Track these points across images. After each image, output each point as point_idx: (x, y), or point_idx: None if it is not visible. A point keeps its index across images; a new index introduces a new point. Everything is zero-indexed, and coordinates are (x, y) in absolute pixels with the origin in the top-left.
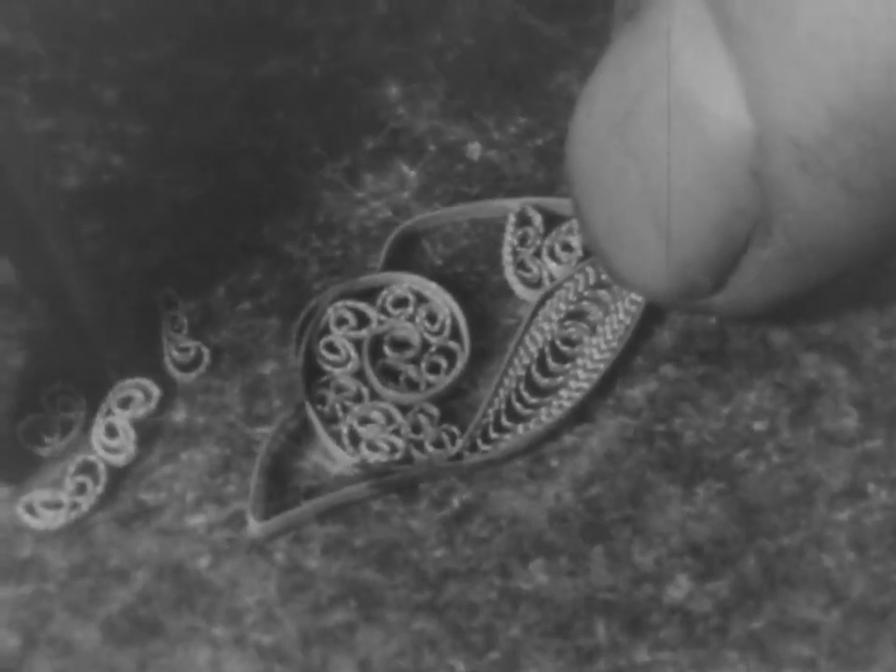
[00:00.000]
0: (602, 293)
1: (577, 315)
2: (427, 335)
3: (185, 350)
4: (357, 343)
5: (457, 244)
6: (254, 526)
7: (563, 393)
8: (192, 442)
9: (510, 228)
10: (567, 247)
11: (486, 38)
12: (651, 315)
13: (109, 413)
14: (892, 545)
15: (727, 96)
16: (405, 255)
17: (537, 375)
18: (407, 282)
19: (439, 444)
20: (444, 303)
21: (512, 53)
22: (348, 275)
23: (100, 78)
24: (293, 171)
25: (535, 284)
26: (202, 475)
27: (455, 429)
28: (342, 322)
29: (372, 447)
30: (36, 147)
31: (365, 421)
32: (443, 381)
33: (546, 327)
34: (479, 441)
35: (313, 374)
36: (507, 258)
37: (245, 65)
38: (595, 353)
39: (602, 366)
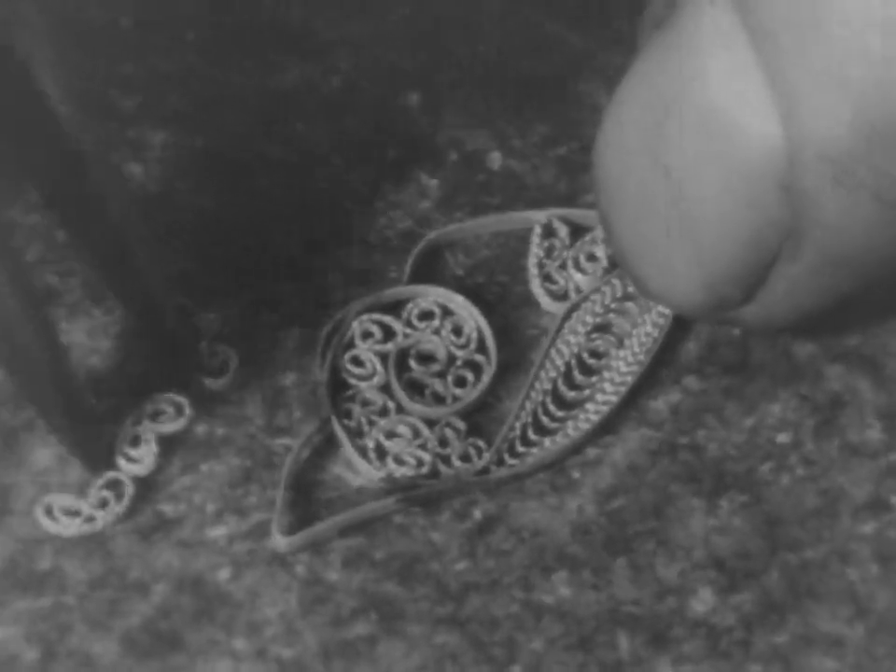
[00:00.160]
0: (629, 305)
1: (604, 328)
2: (453, 348)
3: (213, 356)
4: (383, 357)
5: (479, 254)
6: (279, 541)
7: (590, 406)
8: (213, 454)
9: (535, 240)
10: (592, 258)
11: (508, 47)
12: (676, 327)
13: (138, 423)
14: None
15: (758, 110)
16: (427, 266)
17: (563, 388)
18: (432, 295)
19: (465, 458)
20: (470, 316)
21: (534, 62)
22: (369, 285)
23: (119, 86)
24: (314, 181)
25: (561, 296)
26: (222, 486)
27: (481, 443)
28: (367, 335)
29: (399, 461)
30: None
31: (391, 435)
32: (470, 394)
33: (573, 339)
34: (506, 456)
35: (338, 388)
36: (532, 270)
37: (265, 75)
38: (623, 366)
39: (629, 379)
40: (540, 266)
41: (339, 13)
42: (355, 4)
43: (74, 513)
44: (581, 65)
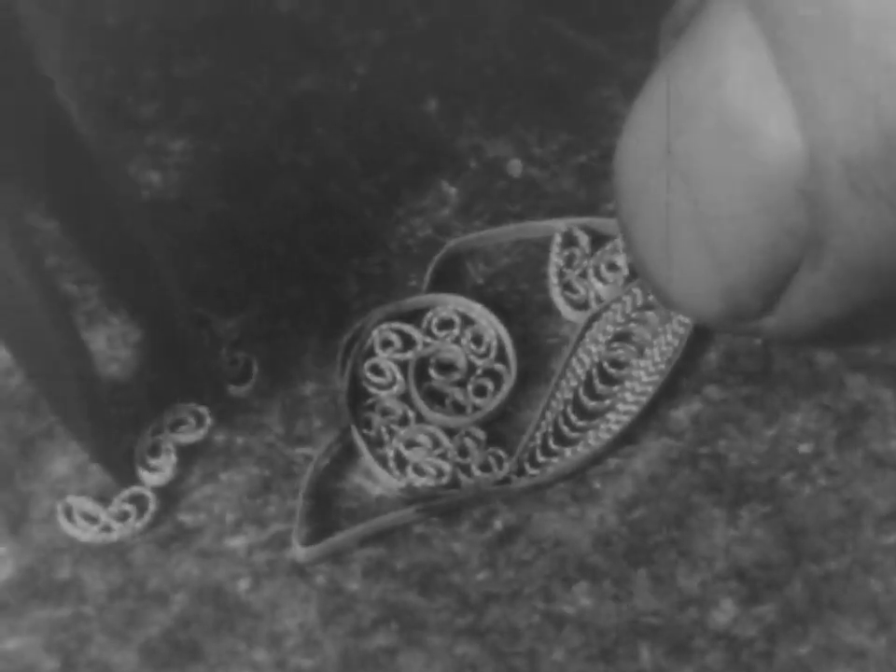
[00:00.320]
0: (650, 315)
1: (624, 337)
2: (472, 357)
3: (233, 364)
4: (403, 366)
5: (499, 262)
6: (299, 552)
7: (610, 416)
8: (232, 463)
9: (555, 248)
10: (612, 267)
11: (527, 53)
12: (697, 336)
13: (158, 432)
14: None
15: (778, 116)
16: (447, 274)
17: (584, 398)
18: (452, 303)
19: (486, 468)
20: (490, 325)
21: (554, 68)
22: (388, 293)
23: (137, 93)
24: (332, 187)
25: (582, 305)
26: (241, 496)
27: (501, 453)
28: (387, 344)
29: (419, 471)
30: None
31: (411, 444)
32: (490, 404)
33: (593, 349)
34: (526, 465)
35: (358, 397)
36: (553, 279)
37: (283, 81)
38: (643, 375)
39: (650, 389)
40: (561, 275)
41: (357, 18)
42: (374, 9)
43: (93, 519)
44: (602, 72)
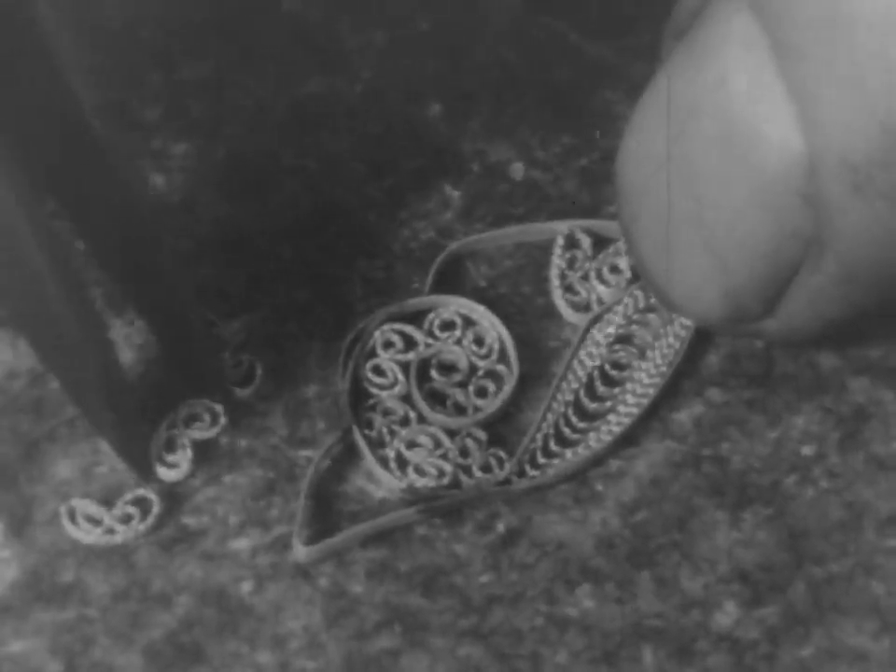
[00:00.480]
0: (651, 317)
1: (626, 339)
2: (474, 358)
3: (237, 366)
4: (405, 367)
5: (501, 265)
6: (300, 552)
7: (612, 418)
8: (235, 465)
9: (557, 251)
10: (614, 269)
11: (530, 57)
12: (698, 339)
13: (173, 427)
14: None
15: (780, 119)
16: (449, 276)
17: (585, 400)
18: (454, 305)
19: (487, 469)
20: (492, 326)
21: (556, 72)
22: (392, 296)
23: (142, 97)
24: (336, 191)
25: (583, 307)
26: (245, 498)
27: (502, 454)
28: (388, 345)
29: (420, 472)
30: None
31: (412, 445)
32: (491, 405)
33: (595, 351)
34: (527, 467)
35: (359, 398)
36: (554, 281)
37: (287, 84)
38: (645, 377)
39: (651, 391)
40: (562, 277)
41: (362, 22)
42: (378, 13)
43: (96, 522)
44: (604, 75)
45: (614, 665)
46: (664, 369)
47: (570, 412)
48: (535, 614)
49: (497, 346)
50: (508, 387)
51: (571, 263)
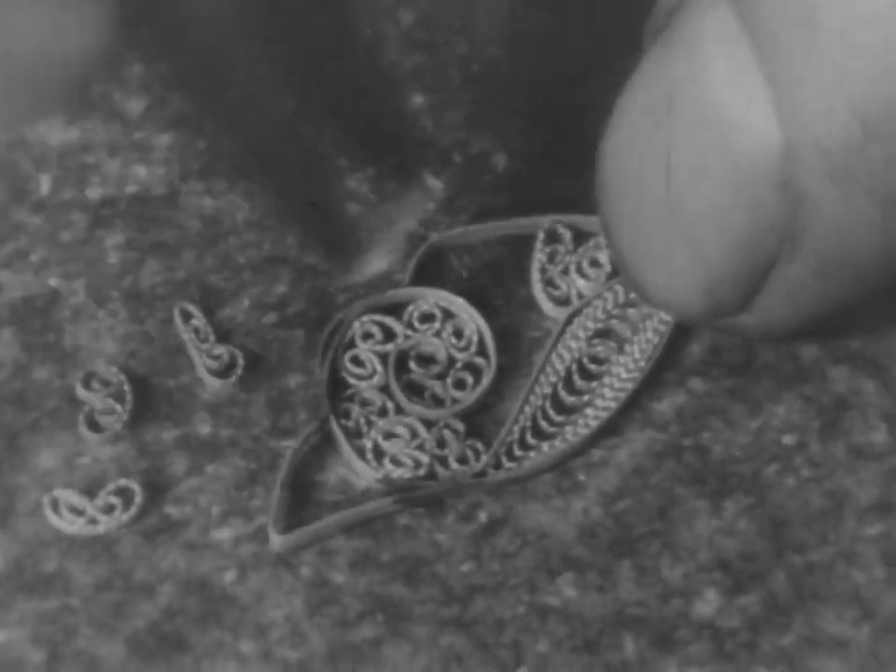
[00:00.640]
0: (631, 312)
1: (605, 334)
2: (453, 351)
3: (218, 357)
4: (383, 358)
5: (483, 257)
6: (275, 540)
7: (589, 412)
8: (218, 455)
9: (538, 245)
10: (595, 263)
11: (513, 49)
12: (680, 329)
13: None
14: None
15: (757, 108)
16: (431, 268)
17: (563, 393)
18: (433, 297)
19: (463, 461)
20: (471, 319)
21: (539, 64)
22: (373, 288)
23: (124, 89)
24: (317, 181)
25: (563, 301)
26: (227, 489)
27: (479, 446)
28: (368, 336)
29: (396, 462)
30: None
31: (389, 436)
32: (469, 397)
33: (574, 345)
34: (503, 459)
35: (338, 388)
36: (535, 275)
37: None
38: (623, 372)
39: (630, 385)
40: (543, 271)
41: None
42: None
43: (79, 512)
44: (587, 68)
45: (595, 654)
46: (642, 363)
47: (548, 405)
48: (516, 603)
49: (475, 339)
50: (486, 380)
51: (552, 257)
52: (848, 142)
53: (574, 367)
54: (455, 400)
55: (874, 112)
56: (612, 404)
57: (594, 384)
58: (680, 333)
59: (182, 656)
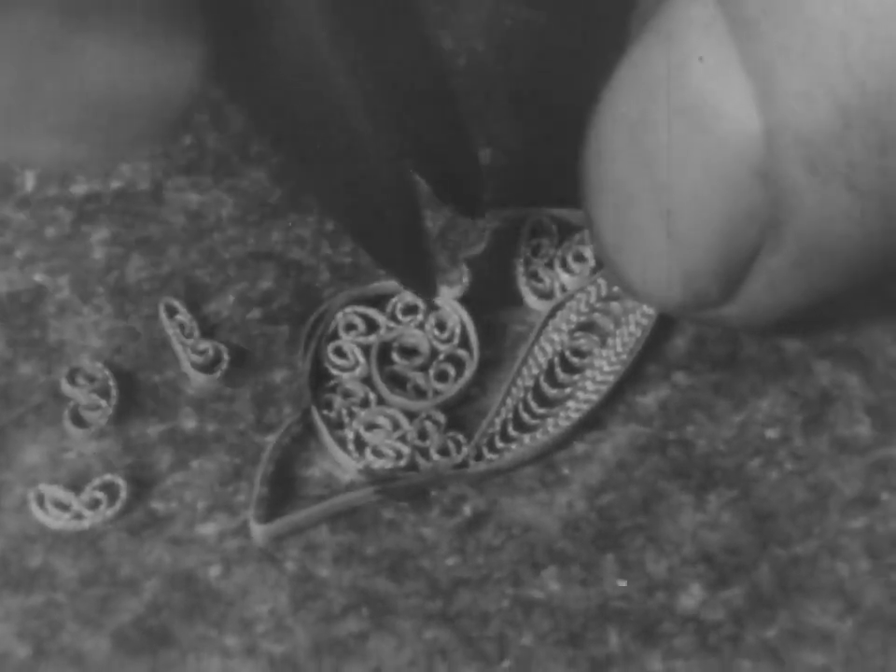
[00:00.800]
0: (614, 305)
1: (588, 327)
2: (435, 343)
3: (203, 352)
4: (366, 349)
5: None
6: (256, 530)
7: (571, 404)
8: (203, 450)
9: (523, 237)
10: (579, 258)
11: (500, 43)
12: (663, 322)
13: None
14: None
15: (738, 97)
16: None
17: (545, 386)
18: None
19: (444, 452)
20: (454, 311)
21: (526, 59)
22: (358, 282)
23: None
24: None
25: (547, 295)
26: (212, 484)
27: (461, 437)
28: (350, 327)
29: (377, 453)
30: None
31: (371, 427)
32: (451, 389)
33: (556, 337)
34: (485, 450)
35: (320, 379)
36: (519, 267)
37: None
38: (605, 365)
39: (612, 378)
40: (527, 264)
41: None
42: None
43: (64, 507)
44: (573, 61)
45: (580, 647)
46: (624, 356)
47: (530, 397)
48: (501, 597)
49: (458, 331)
50: (468, 372)
51: (536, 250)
52: (829, 133)
53: (556, 360)
54: (437, 392)
55: (854, 103)
56: (594, 397)
57: (576, 376)
58: (664, 327)
59: (167, 651)
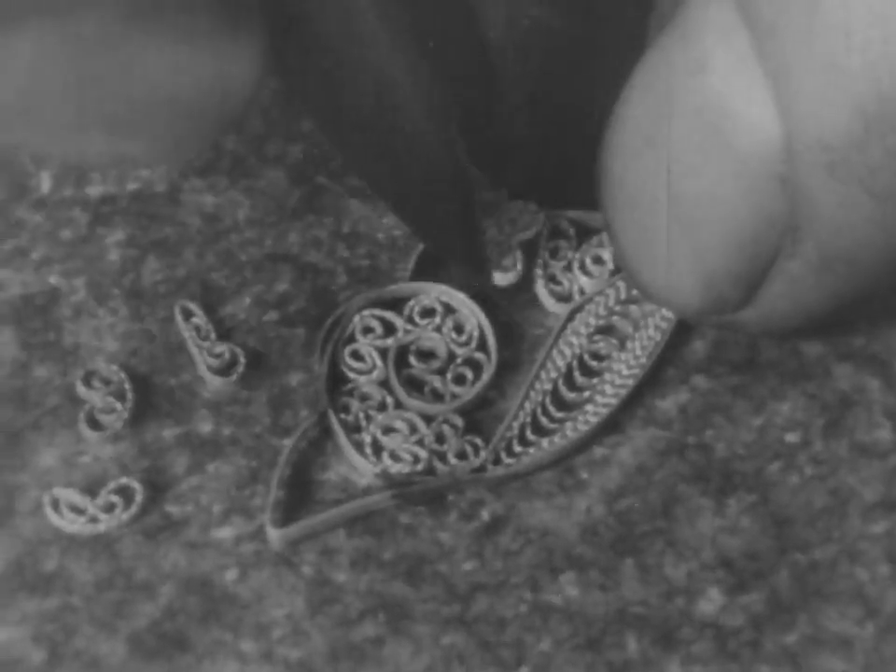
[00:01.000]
0: (632, 308)
1: (606, 330)
2: (453, 346)
3: (219, 355)
4: (383, 352)
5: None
6: (272, 534)
7: (589, 408)
8: (219, 454)
9: (541, 240)
10: (598, 260)
11: (517, 45)
12: (683, 326)
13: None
14: None
15: (757, 101)
16: (432, 263)
17: (563, 389)
18: (435, 292)
19: (462, 456)
20: (472, 314)
21: (542, 58)
22: (375, 285)
23: None
24: (319, 179)
25: (565, 297)
26: (229, 487)
27: (478, 441)
28: (368, 330)
29: (395, 457)
30: None
31: (388, 430)
32: (468, 392)
33: (574, 341)
34: (503, 454)
35: (337, 382)
36: (537, 270)
37: (271, 72)
38: (624, 368)
39: (630, 381)
40: (545, 267)
41: None
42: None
43: (80, 511)
44: (592, 62)
45: (598, 653)
46: (643, 360)
47: (548, 401)
48: (519, 602)
49: (476, 334)
50: (486, 375)
51: (555, 253)
52: (848, 137)
53: (575, 363)
54: (454, 396)
55: (872, 106)
56: (613, 401)
57: (594, 380)
58: (684, 331)
59: (183, 655)
